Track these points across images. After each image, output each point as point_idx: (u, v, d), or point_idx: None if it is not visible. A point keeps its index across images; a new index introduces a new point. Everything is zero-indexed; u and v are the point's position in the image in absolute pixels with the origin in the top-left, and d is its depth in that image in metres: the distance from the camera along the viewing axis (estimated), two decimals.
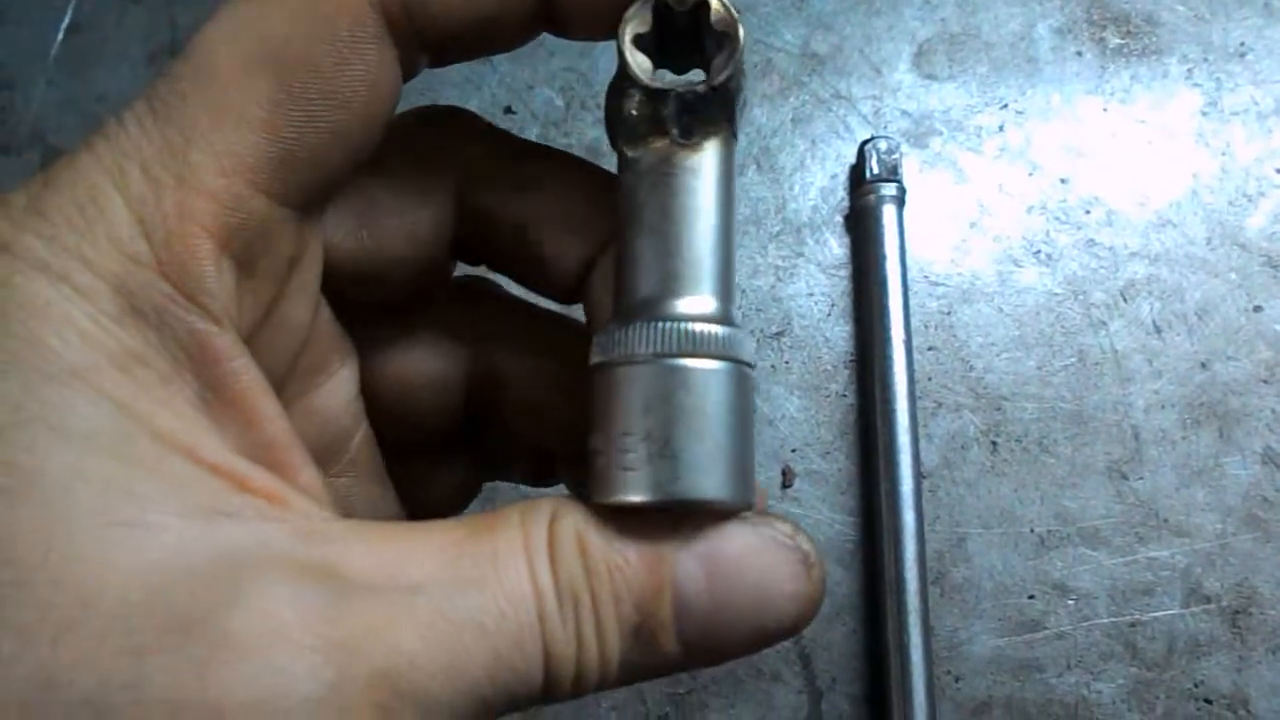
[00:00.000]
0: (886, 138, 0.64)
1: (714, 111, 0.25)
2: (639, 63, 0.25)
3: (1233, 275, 0.63)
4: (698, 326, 0.24)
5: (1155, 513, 0.60)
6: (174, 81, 0.23)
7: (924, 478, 0.60)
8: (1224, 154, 0.66)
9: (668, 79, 0.25)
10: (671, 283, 0.25)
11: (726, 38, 0.25)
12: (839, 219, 0.65)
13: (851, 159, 0.66)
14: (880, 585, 0.57)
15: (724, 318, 0.25)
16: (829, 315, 0.63)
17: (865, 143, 0.64)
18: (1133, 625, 0.58)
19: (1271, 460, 0.60)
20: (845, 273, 0.64)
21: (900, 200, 0.63)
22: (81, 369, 0.21)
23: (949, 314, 0.63)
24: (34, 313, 0.21)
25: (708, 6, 0.25)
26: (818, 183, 0.66)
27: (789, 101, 0.67)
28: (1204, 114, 0.67)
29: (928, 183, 0.65)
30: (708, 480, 0.24)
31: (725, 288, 0.25)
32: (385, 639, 0.21)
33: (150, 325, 0.22)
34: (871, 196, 0.63)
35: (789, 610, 0.25)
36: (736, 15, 0.25)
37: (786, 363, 0.62)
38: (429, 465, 0.35)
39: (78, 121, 0.68)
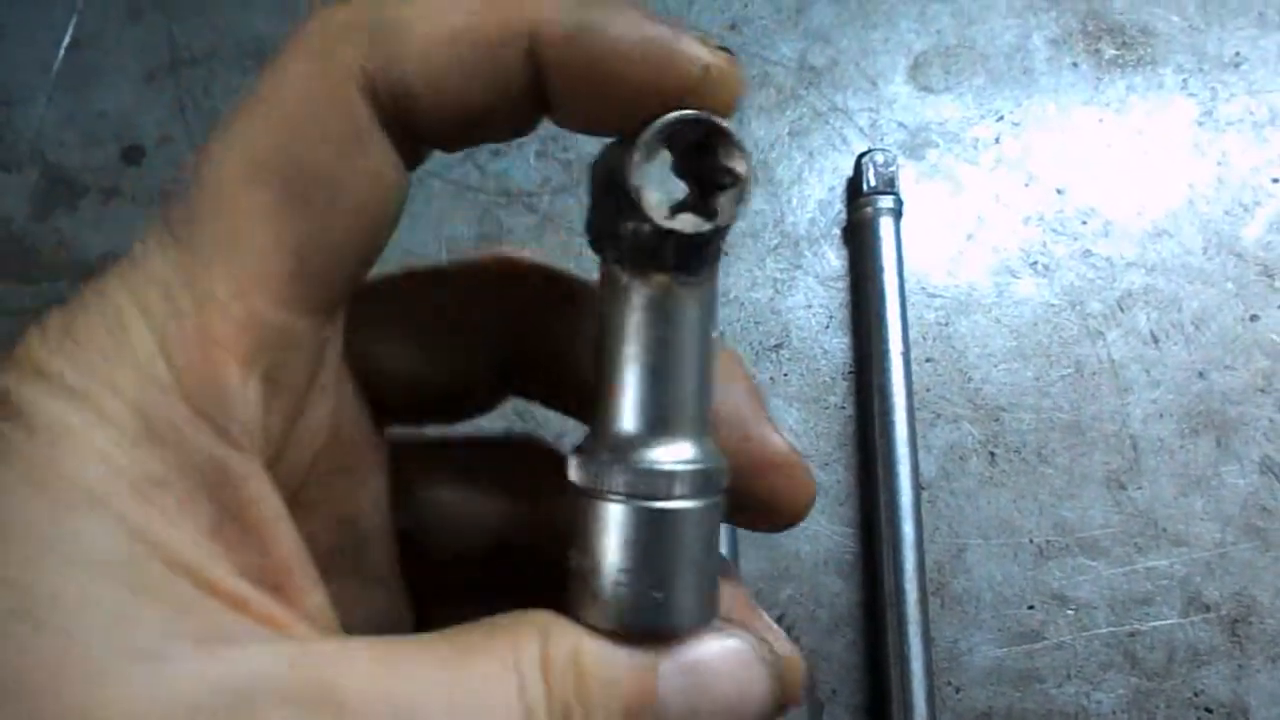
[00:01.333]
0: (883, 150, 0.64)
1: (714, 249, 0.25)
2: (652, 202, 0.24)
3: (1229, 285, 0.64)
4: (678, 469, 0.25)
5: (1154, 522, 0.60)
6: (184, 201, 0.23)
7: (923, 489, 0.60)
8: (1220, 164, 0.66)
9: (680, 219, 0.24)
10: (657, 421, 0.25)
11: (734, 175, 0.24)
12: (836, 231, 0.65)
13: (848, 171, 0.66)
14: (880, 596, 0.57)
15: (703, 454, 0.25)
16: (827, 327, 0.64)
17: (862, 155, 0.64)
18: (1132, 635, 0.58)
19: (1269, 469, 0.60)
20: (843, 285, 0.64)
21: (897, 213, 0.63)
22: (99, 495, 0.22)
23: (947, 325, 0.63)
24: (57, 437, 0.22)
25: (723, 136, 0.24)
26: (815, 195, 0.66)
27: (786, 115, 0.67)
28: (1199, 124, 0.67)
29: (924, 195, 0.66)
30: (683, 610, 0.25)
31: (705, 421, 0.26)
32: None
33: (169, 448, 0.22)
34: (869, 209, 0.63)
35: (760, 713, 0.26)
36: (747, 153, 0.24)
37: (785, 375, 0.63)
38: (457, 590, 0.35)
39: (78, 139, 0.68)
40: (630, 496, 0.25)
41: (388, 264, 0.69)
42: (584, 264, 0.69)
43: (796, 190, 0.66)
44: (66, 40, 0.70)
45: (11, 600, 0.20)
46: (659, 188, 0.24)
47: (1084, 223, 0.65)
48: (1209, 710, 0.57)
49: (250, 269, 0.23)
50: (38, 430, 0.22)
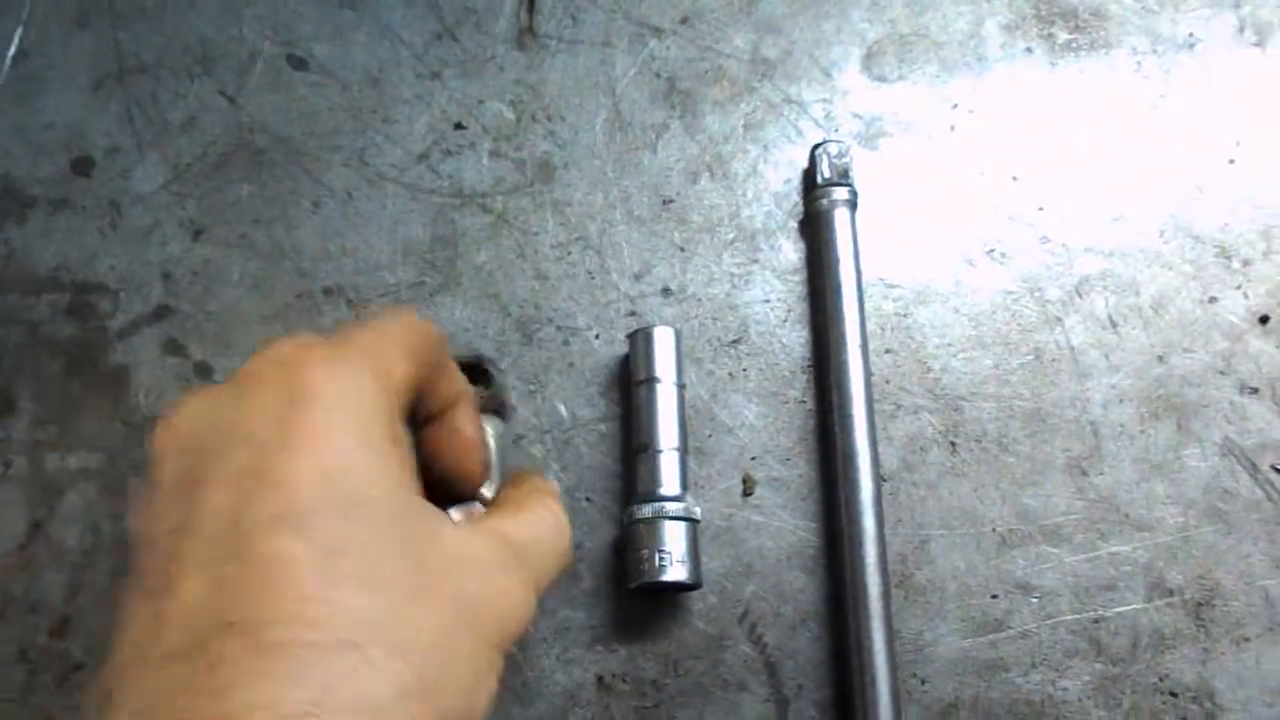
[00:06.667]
0: (837, 141, 0.63)
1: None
2: None
3: (1187, 267, 0.63)
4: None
5: (1116, 508, 0.60)
6: None
7: (884, 481, 0.60)
8: (1175, 146, 0.66)
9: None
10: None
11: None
12: (793, 224, 0.65)
13: (804, 163, 0.66)
14: (844, 591, 0.57)
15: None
16: (785, 321, 0.63)
17: (816, 147, 0.63)
18: (1096, 621, 0.58)
19: (1230, 451, 0.60)
20: (801, 278, 0.64)
21: (853, 204, 0.62)
22: None
23: (905, 316, 0.63)
24: None
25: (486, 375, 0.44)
26: (771, 188, 0.66)
27: (740, 108, 0.67)
28: (1154, 106, 0.67)
29: (880, 185, 0.65)
30: None
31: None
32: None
33: None
34: (824, 201, 0.62)
35: None
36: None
37: (744, 370, 0.62)
38: None
39: (25, 150, 0.67)
40: None
41: (344, 270, 0.67)
42: (539, 261, 0.68)
43: (752, 184, 0.66)
44: (12, 50, 0.69)
45: None
46: None
47: (1040, 209, 0.65)
48: (1174, 694, 0.57)
49: None
50: None
